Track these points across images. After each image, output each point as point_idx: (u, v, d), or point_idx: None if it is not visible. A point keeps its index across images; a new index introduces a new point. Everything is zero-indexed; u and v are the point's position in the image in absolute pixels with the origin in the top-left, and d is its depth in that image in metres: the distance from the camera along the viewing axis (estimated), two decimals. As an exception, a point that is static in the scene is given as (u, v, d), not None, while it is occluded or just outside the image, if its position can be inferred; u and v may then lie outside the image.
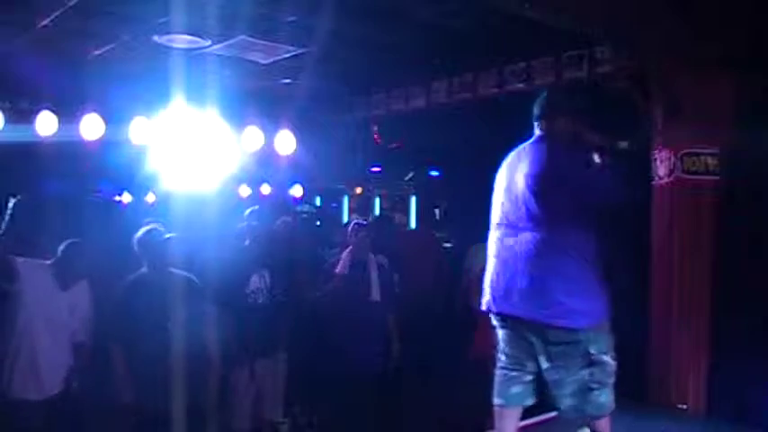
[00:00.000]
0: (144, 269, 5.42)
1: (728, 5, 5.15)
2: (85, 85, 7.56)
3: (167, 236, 5.52)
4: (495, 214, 4.26)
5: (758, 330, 5.47)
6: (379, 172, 13.38)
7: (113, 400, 5.35)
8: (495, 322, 4.27)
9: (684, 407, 5.76)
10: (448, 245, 10.43)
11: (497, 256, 4.20)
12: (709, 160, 5.72)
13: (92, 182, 11.88)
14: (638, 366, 5.89)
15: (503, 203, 4.21)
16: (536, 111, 4.28)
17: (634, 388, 5.82)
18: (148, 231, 5.48)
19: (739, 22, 5.24)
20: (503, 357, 4.22)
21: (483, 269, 4.54)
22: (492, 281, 4.21)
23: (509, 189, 4.16)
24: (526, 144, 4.25)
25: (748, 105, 5.65)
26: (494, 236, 4.26)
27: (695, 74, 5.69)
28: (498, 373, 4.23)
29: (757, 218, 5.57)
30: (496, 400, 4.21)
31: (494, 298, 4.18)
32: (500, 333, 4.25)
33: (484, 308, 4.27)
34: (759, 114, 5.58)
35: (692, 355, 5.77)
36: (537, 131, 4.25)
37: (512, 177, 4.17)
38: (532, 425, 4.98)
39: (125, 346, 5.25)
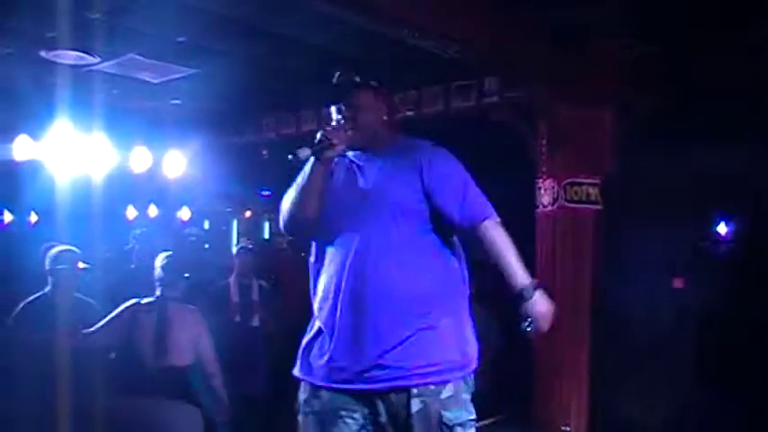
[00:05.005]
0: (48, 289, 5.10)
1: (610, 42, 5.38)
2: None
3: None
4: None
5: (633, 353, 5.70)
6: (270, 196, 13.29)
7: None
8: None
9: (568, 428, 5.93)
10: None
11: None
12: (591, 190, 5.93)
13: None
14: (523, 389, 6.04)
15: None
16: None
17: (520, 409, 5.98)
18: (60, 252, 5.14)
19: (621, 59, 5.48)
20: None
21: None
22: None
23: None
24: None
25: (626, 137, 5.90)
26: None
27: (578, 106, 5.91)
28: None
29: (634, 246, 5.81)
30: None
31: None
32: None
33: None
34: (635, 146, 5.84)
35: (574, 377, 5.95)
36: None
37: None
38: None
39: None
